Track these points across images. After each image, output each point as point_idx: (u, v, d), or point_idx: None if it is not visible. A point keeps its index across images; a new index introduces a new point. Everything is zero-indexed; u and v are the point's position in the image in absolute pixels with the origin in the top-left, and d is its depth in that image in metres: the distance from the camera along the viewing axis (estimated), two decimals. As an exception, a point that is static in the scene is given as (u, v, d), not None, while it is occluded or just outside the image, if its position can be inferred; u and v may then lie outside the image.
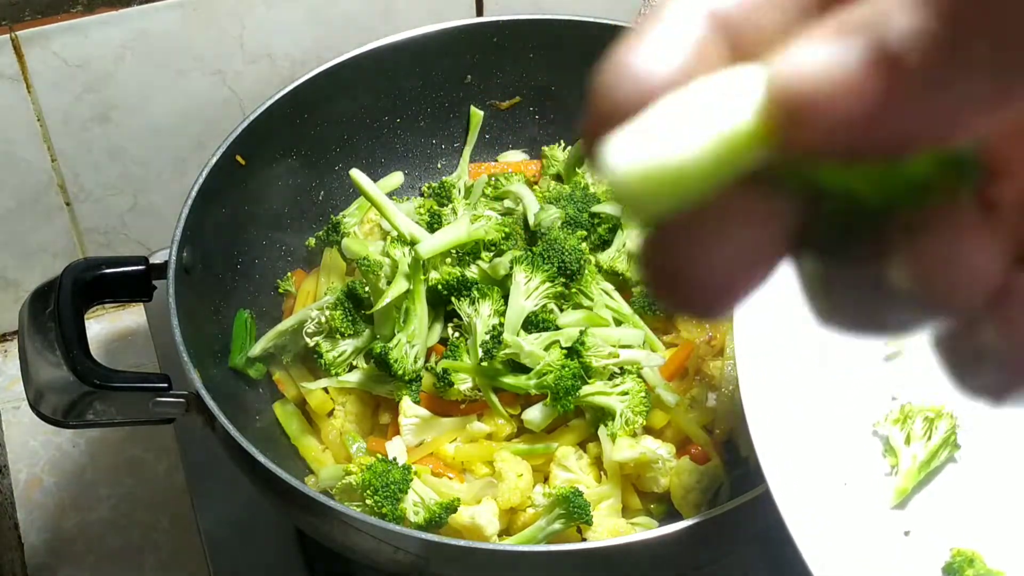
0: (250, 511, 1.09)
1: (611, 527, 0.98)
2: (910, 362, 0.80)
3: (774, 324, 0.78)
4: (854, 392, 0.79)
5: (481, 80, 1.25)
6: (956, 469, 0.77)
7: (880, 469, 0.76)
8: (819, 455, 0.74)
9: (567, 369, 1.00)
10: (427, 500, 0.96)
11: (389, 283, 1.04)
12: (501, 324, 1.02)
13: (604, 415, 1.02)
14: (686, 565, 0.97)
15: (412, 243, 1.05)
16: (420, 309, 1.04)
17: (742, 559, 1.03)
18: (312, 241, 1.20)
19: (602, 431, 1.02)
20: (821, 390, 0.77)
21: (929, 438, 0.76)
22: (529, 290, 1.03)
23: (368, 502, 0.94)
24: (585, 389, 1.01)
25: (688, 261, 0.27)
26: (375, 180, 1.22)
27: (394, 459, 0.98)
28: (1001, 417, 0.78)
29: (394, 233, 1.08)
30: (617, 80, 0.29)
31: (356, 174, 1.07)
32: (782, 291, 0.78)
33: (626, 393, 1.01)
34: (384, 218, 1.08)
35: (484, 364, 1.01)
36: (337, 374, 1.06)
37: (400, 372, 1.02)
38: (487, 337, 1.00)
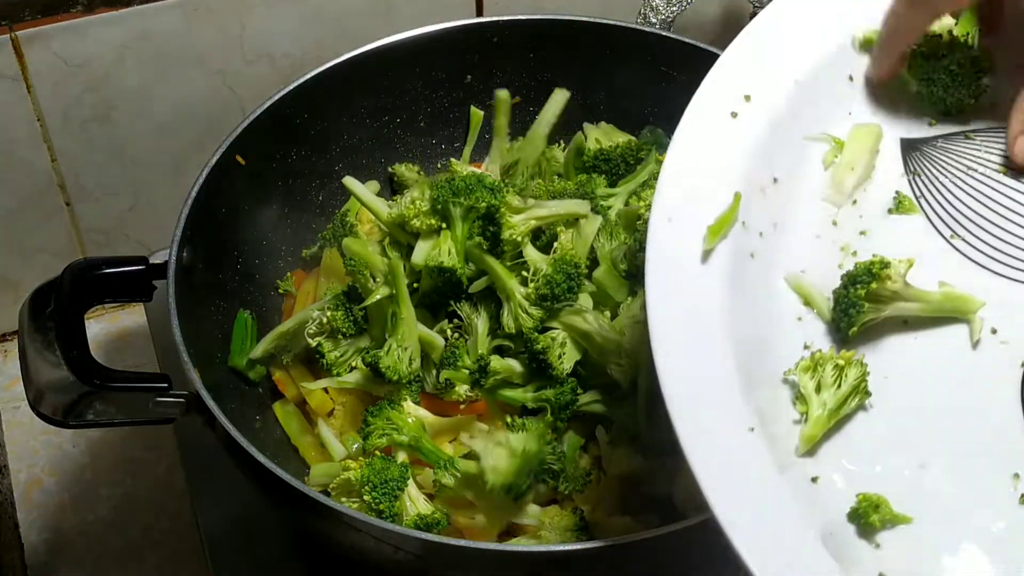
0: (250, 511, 1.09)
1: (613, 525, 0.98)
2: (821, 318, 0.81)
3: (687, 277, 0.78)
4: (767, 341, 0.79)
5: (481, 80, 1.25)
6: (867, 416, 0.77)
7: (791, 417, 0.76)
8: (728, 402, 0.74)
9: (567, 384, 1.00)
10: (421, 507, 0.97)
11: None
12: (499, 329, 1.02)
13: (603, 420, 1.03)
14: (687, 564, 0.97)
15: (408, 246, 1.05)
16: (407, 312, 1.03)
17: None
18: (312, 249, 1.19)
19: (600, 433, 1.02)
20: (733, 339, 0.77)
21: (839, 386, 0.75)
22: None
23: (366, 498, 0.94)
24: (583, 398, 1.02)
25: None
26: (375, 180, 1.23)
27: (393, 457, 0.98)
28: (911, 365, 0.79)
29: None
30: None
31: (350, 182, 1.07)
32: (693, 242, 0.76)
33: (622, 397, 1.01)
34: (380, 222, 1.08)
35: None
36: (339, 374, 1.06)
37: (395, 377, 1.02)
38: (475, 367, 1.00)
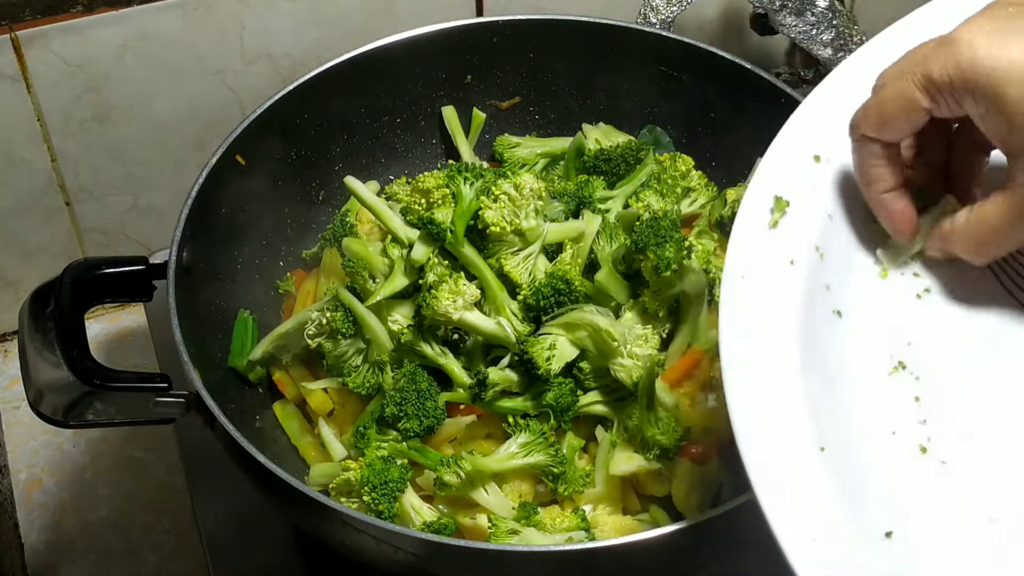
0: (250, 511, 1.09)
1: (616, 525, 0.98)
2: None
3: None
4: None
5: (481, 80, 1.25)
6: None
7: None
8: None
9: (564, 386, 1.00)
10: (426, 514, 0.97)
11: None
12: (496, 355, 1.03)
13: (603, 420, 1.03)
14: (688, 564, 0.97)
15: (409, 245, 1.05)
16: (371, 333, 1.03)
17: (743, 559, 1.03)
18: (312, 250, 1.19)
19: (601, 433, 1.02)
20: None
21: None
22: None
23: (365, 499, 0.94)
24: (583, 399, 1.02)
25: None
26: (377, 180, 1.23)
27: (393, 458, 0.98)
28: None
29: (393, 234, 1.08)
30: None
31: (351, 181, 1.07)
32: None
33: (623, 398, 1.01)
34: (381, 222, 1.08)
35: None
36: (340, 374, 1.06)
37: (365, 394, 1.03)
38: (473, 382, 1.00)
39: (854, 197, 0.84)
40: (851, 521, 0.72)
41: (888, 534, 0.73)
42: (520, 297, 1.02)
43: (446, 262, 1.03)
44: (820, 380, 0.77)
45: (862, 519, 0.72)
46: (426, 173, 1.04)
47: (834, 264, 0.82)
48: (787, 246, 0.81)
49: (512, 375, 1.01)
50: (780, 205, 0.82)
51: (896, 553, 0.72)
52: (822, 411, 0.76)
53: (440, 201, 1.02)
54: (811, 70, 1.41)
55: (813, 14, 1.32)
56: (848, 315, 0.81)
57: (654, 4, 1.29)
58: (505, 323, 1.01)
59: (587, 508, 1.00)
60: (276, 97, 1.13)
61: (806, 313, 0.79)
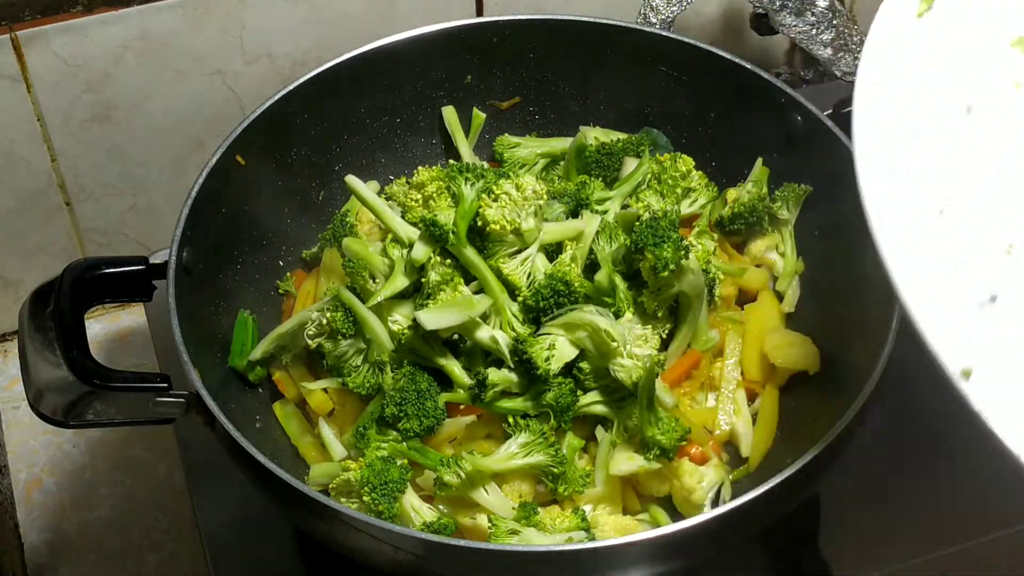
0: (250, 511, 1.09)
1: (616, 525, 0.98)
2: None
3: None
4: None
5: (481, 80, 1.25)
6: None
7: None
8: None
9: (564, 386, 1.00)
10: (426, 515, 0.97)
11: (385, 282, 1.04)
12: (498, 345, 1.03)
13: (603, 420, 1.03)
14: (688, 564, 0.97)
15: (410, 245, 1.05)
16: (371, 333, 1.03)
17: (742, 559, 1.03)
18: (312, 250, 1.19)
19: (601, 433, 1.02)
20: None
21: None
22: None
23: (365, 499, 0.94)
24: (583, 400, 1.02)
25: None
26: (377, 180, 1.23)
27: (392, 458, 0.98)
28: None
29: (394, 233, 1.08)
30: None
31: (351, 180, 1.07)
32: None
33: (623, 398, 1.01)
34: (381, 222, 1.08)
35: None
36: (340, 374, 1.06)
37: (365, 394, 1.03)
38: (473, 382, 1.00)
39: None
40: (963, 281, 0.73)
41: (993, 298, 0.74)
42: (520, 298, 1.02)
43: (447, 261, 1.03)
44: (945, 161, 0.78)
45: (973, 280, 0.74)
46: (420, 168, 1.04)
47: (969, 60, 0.82)
48: (932, 37, 0.81)
49: (512, 376, 1.01)
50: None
51: (1000, 316, 0.73)
52: (944, 187, 0.76)
53: (435, 195, 1.02)
54: (811, 70, 1.41)
55: (813, 14, 1.32)
56: (979, 111, 0.82)
57: (654, 4, 1.29)
58: (500, 336, 1.01)
59: (587, 508, 1.00)
60: (276, 97, 1.13)
61: (940, 103, 0.80)
